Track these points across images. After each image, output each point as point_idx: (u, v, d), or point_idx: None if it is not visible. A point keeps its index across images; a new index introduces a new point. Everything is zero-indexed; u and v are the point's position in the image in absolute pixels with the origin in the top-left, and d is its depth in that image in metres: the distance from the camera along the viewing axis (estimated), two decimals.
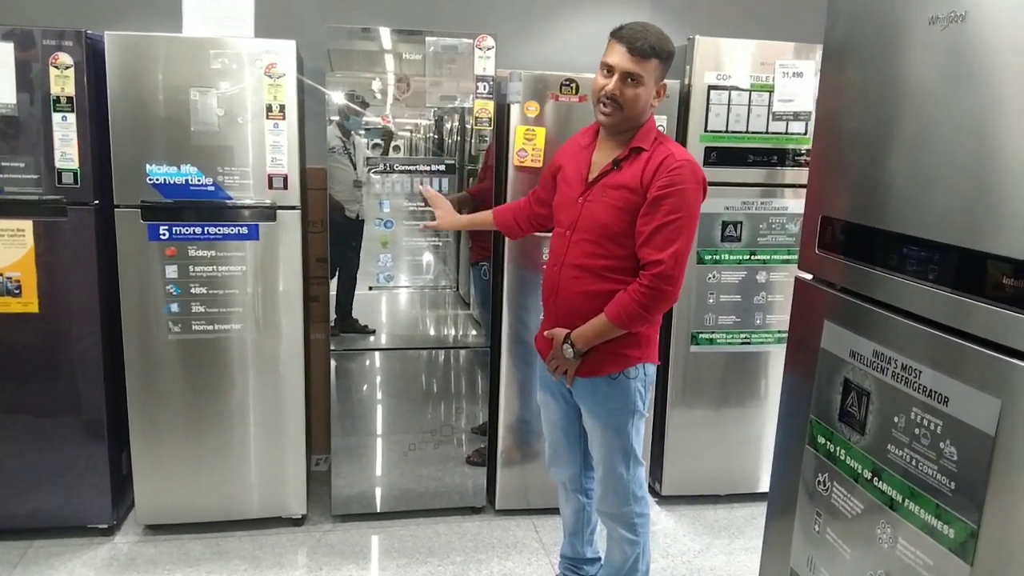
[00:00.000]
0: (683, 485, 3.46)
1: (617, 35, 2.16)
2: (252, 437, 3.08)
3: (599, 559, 2.74)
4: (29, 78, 2.70)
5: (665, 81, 2.21)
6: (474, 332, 3.20)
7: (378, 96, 2.95)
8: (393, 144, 2.98)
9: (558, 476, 2.65)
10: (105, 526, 3.08)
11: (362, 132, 2.96)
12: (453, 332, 3.20)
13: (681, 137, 3.18)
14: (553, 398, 2.49)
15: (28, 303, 2.84)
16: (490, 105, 3.00)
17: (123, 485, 3.12)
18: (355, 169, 2.99)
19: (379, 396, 3.21)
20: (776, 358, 3.39)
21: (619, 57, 2.13)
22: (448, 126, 3.02)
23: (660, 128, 2.31)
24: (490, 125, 3.01)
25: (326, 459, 3.74)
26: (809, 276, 1.96)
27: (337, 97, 2.92)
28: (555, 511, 3.23)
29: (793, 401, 1.96)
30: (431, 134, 3.02)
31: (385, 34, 2.93)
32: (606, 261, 2.20)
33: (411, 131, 3.01)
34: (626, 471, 2.36)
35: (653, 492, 3.44)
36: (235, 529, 3.16)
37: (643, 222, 2.12)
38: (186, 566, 2.93)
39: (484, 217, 2.82)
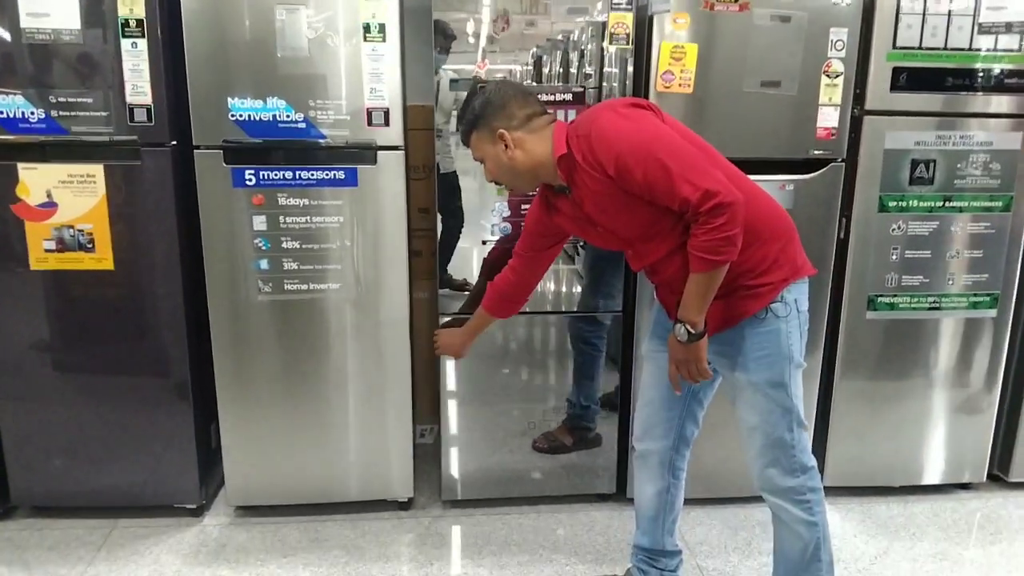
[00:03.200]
0: (849, 475, 2.93)
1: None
2: (351, 409, 2.71)
3: (679, 552, 2.35)
4: None
5: (501, 130, 1.92)
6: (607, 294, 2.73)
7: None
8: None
9: (647, 446, 2.23)
10: (193, 506, 2.77)
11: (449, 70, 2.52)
12: (581, 294, 2.73)
13: (863, 56, 2.57)
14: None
15: (102, 259, 2.51)
16: (628, 18, 2.47)
17: (212, 460, 2.80)
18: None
19: (496, 366, 2.78)
20: (973, 326, 2.81)
21: None
22: (578, 45, 2.52)
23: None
24: (629, 43, 2.48)
25: (432, 430, 3.37)
26: None
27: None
28: (696, 502, 2.79)
29: None
30: (551, 57, 2.53)
31: None
32: (669, 241, 1.88)
33: (537, 49, 2.51)
34: (789, 434, 1.96)
35: None
36: (334, 512, 2.81)
37: (641, 192, 1.80)
38: (281, 555, 2.60)
39: (483, 319, 2.34)
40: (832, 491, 2.90)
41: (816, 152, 2.60)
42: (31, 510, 2.80)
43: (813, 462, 2.02)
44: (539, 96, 2.03)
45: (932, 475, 2.96)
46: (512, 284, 2.23)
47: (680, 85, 2.47)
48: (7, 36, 2.32)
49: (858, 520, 2.83)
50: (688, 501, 2.35)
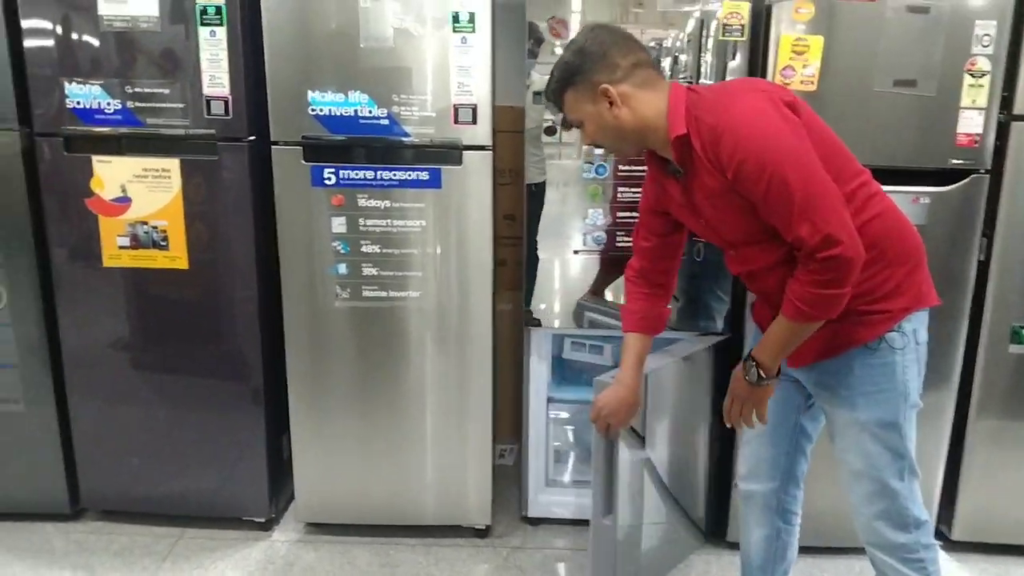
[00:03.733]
0: (983, 529, 2.57)
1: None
2: (429, 426, 2.53)
3: None
4: None
5: (604, 85, 1.61)
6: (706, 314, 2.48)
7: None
8: None
9: (752, 487, 1.96)
10: (262, 520, 2.64)
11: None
12: (679, 313, 2.48)
13: (1013, 53, 2.24)
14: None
15: (176, 258, 2.40)
16: (744, 7, 2.22)
17: (282, 473, 2.66)
18: None
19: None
20: None
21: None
22: (677, 39, 2.29)
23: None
24: (744, 35, 2.24)
25: (511, 450, 3.17)
26: None
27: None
28: (805, 551, 2.49)
29: None
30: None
31: None
32: (777, 252, 1.61)
33: None
34: (900, 483, 1.69)
35: (940, 535, 2.60)
36: (407, 535, 2.64)
37: (756, 203, 1.55)
38: None
39: (636, 344, 1.94)
40: (962, 547, 2.58)
41: (956, 161, 2.29)
42: (100, 513, 2.72)
43: (926, 515, 1.75)
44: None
45: None
46: (650, 285, 1.92)
47: (802, 82, 2.20)
48: (85, 24, 2.24)
49: None
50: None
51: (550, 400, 2.66)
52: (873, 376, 1.66)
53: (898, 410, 1.66)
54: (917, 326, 1.66)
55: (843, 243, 1.46)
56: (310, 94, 2.26)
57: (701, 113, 1.57)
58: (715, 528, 2.63)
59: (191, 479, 2.60)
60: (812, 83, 2.20)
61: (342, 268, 2.39)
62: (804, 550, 2.44)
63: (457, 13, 2.19)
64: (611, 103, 1.62)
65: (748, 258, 1.71)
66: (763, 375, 1.64)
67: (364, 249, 2.37)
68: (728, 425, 1.78)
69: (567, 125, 1.83)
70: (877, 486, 1.70)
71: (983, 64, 2.23)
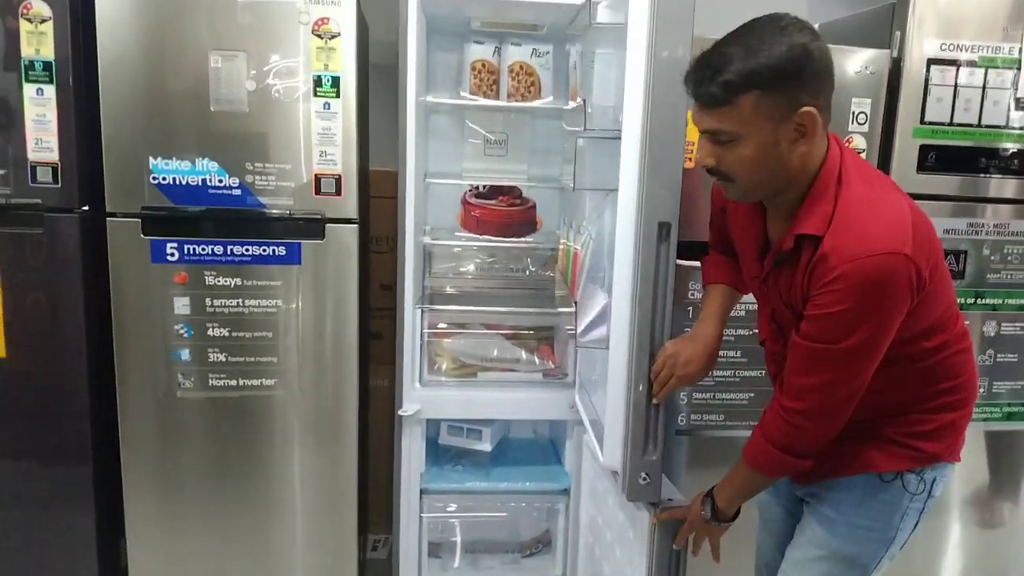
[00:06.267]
0: None
1: (685, 82, 1.35)
2: (288, 526, 2.29)
3: None
4: None
5: (806, 108, 1.26)
6: None
7: None
8: None
9: None
10: None
11: None
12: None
13: (887, 131, 2.26)
14: (779, 504, 1.70)
15: None
16: None
17: None
18: None
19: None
20: (1006, 440, 2.45)
21: (694, 114, 1.34)
22: None
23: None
24: None
25: (386, 541, 2.91)
26: None
27: None
28: None
29: None
30: None
31: None
32: None
33: None
34: None
35: None
36: None
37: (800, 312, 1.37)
38: None
39: (719, 296, 1.67)
40: None
41: None
42: None
43: None
44: None
45: None
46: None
47: None
48: None
49: None
50: None
51: (424, 492, 2.45)
52: (870, 511, 1.49)
53: (876, 556, 1.50)
54: (939, 478, 1.50)
55: (815, 425, 1.37)
56: (152, 160, 2.02)
57: (847, 233, 1.27)
58: None
59: None
60: None
61: (185, 354, 2.13)
62: None
63: (320, 77, 2.02)
64: (802, 134, 1.29)
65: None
66: (718, 515, 1.54)
67: (211, 332, 2.13)
68: (675, 546, 1.64)
69: (708, 132, 1.34)
70: None
71: (859, 142, 2.27)
